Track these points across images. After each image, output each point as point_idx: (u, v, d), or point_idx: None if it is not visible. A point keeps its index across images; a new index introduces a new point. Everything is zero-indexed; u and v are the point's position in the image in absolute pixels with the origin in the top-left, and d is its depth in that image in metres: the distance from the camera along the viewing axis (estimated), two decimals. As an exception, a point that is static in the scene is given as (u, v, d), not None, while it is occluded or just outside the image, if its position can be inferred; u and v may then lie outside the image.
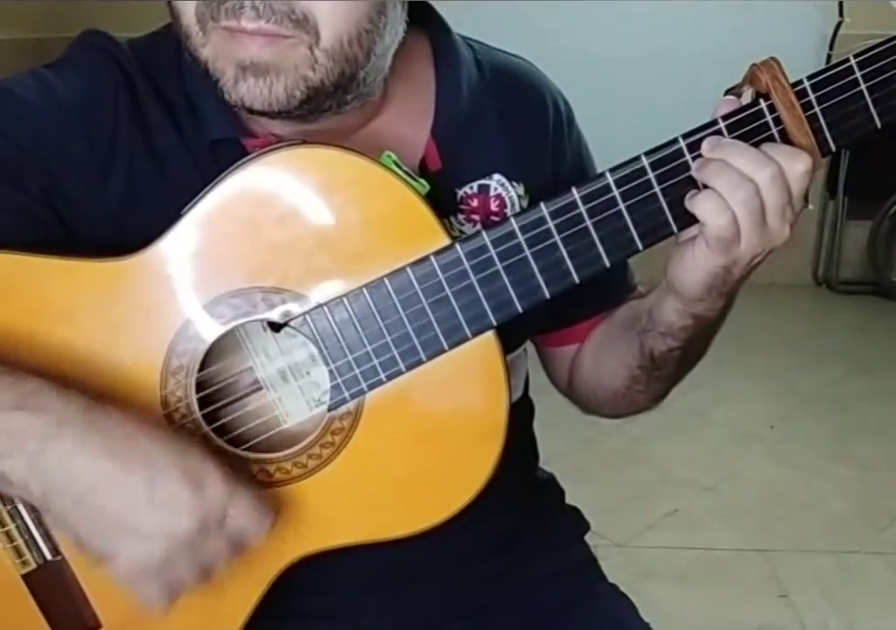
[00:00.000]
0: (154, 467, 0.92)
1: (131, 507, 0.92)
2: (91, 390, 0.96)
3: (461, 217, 1.16)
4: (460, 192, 1.16)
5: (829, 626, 2.68)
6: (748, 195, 0.96)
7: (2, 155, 1.04)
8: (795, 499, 3.27)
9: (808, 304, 5.00)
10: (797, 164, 0.97)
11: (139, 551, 0.93)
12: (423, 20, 1.18)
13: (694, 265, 1.01)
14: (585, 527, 1.43)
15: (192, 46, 1.02)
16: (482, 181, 1.17)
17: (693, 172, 0.99)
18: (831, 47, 4.53)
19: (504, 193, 1.17)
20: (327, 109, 1.06)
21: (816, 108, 0.98)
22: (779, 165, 0.96)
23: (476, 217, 1.16)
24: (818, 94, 0.97)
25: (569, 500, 1.43)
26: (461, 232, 1.15)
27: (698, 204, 0.97)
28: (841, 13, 4.55)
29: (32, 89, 1.07)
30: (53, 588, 1.05)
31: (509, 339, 1.06)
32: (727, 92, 1.01)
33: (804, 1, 4.55)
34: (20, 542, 1.03)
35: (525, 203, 1.18)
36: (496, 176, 1.17)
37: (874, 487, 3.32)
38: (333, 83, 1.02)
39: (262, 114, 1.03)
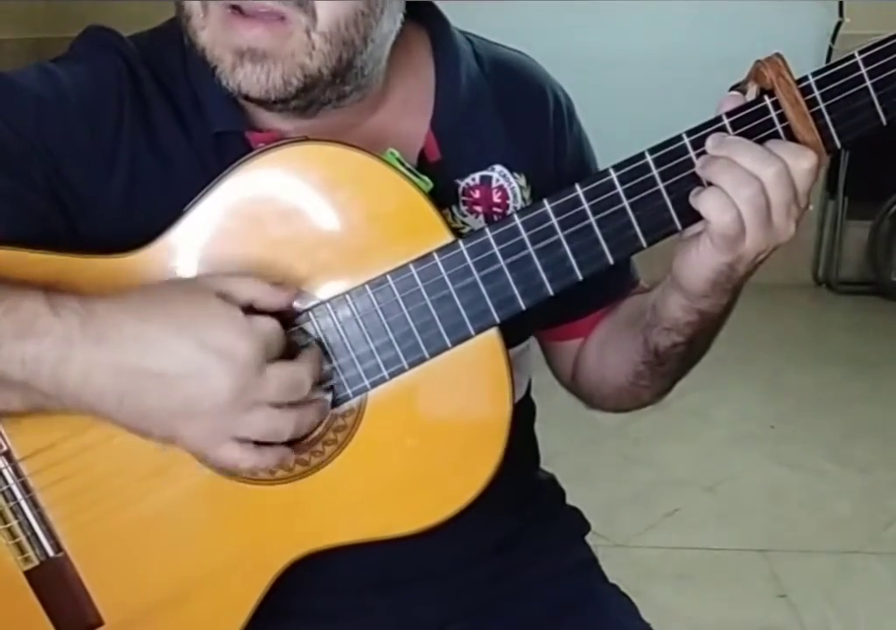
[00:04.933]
0: (176, 359, 0.91)
1: (165, 396, 0.92)
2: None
3: (463, 209, 1.16)
4: (462, 184, 1.16)
5: (829, 626, 2.68)
6: (753, 192, 0.96)
7: (6, 145, 1.04)
8: (795, 499, 3.27)
9: (808, 304, 5.00)
10: (802, 161, 0.97)
11: (195, 430, 0.94)
12: (422, 15, 1.18)
13: (699, 262, 1.01)
14: (586, 527, 1.43)
15: (192, 29, 1.02)
16: (484, 172, 1.17)
17: (697, 169, 0.98)
18: (831, 47, 4.53)
19: (506, 184, 1.17)
20: (326, 102, 1.06)
21: (821, 105, 0.97)
22: (784, 162, 0.96)
23: (478, 209, 1.16)
24: (823, 90, 0.97)
25: (569, 500, 1.43)
26: (463, 223, 1.15)
27: (703, 201, 0.97)
28: (841, 13, 4.55)
29: (37, 81, 1.08)
30: (55, 585, 1.05)
31: (512, 334, 1.06)
32: (732, 88, 1.01)
33: (804, 1, 4.55)
34: (22, 538, 1.03)
35: (527, 194, 1.18)
36: (498, 167, 1.17)
37: (874, 487, 3.33)
38: (331, 71, 1.02)
39: (259, 102, 1.03)
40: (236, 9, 0.99)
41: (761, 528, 3.11)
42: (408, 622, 1.24)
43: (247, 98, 1.03)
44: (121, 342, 0.91)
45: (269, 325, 0.93)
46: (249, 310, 0.94)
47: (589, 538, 1.42)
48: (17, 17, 4.00)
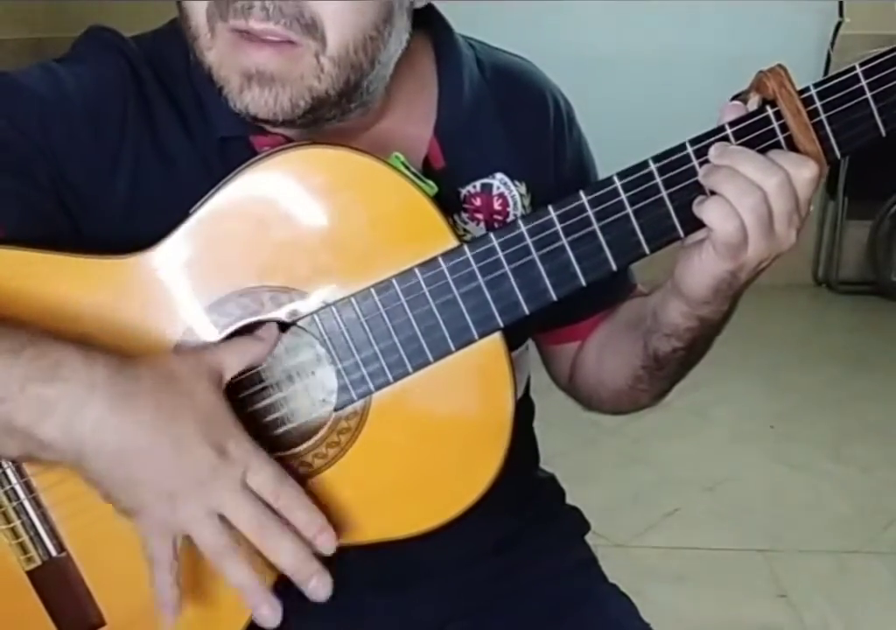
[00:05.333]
0: (179, 430, 0.93)
1: (157, 469, 0.93)
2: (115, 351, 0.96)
3: (465, 216, 1.16)
4: (463, 191, 1.16)
5: (829, 626, 2.68)
6: (756, 202, 0.96)
7: (10, 145, 1.04)
8: (795, 499, 3.27)
9: (807, 304, 4.99)
10: (804, 171, 0.98)
11: (163, 510, 0.94)
12: (426, 20, 1.18)
13: (701, 269, 1.02)
14: (586, 527, 1.43)
15: (199, 49, 1.02)
16: (485, 180, 1.17)
17: (700, 178, 0.99)
18: (832, 47, 4.53)
19: (507, 192, 1.17)
20: (331, 118, 1.06)
21: (822, 116, 0.98)
22: (786, 172, 0.97)
23: (479, 216, 1.17)
24: (824, 101, 0.98)
25: (569, 500, 1.44)
26: (465, 230, 1.16)
27: (706, 210, 0.98)
28: (841, 13, 4.55)
29: (41, 82, 1.07)
30: (58, 585, 1.05)
31: (512, 337, 1.06)
32: (733, 98, 1.02)
33: (804, 1, 4.55)
34: (25, 538, 1.04)
35: (527, 202, 1.19)
36: (498, 175, 1.18)
37: (874, 487, 3.33)
38: (338, 92, 1.02)
39: (265, 122, 1.03)
40: (245, 32, 0.98)
41: (761, 528, 3.10)
42: (408, 622, 1.25)
43: (254, 119, 1.03)
44: (140, 410, 0.93)
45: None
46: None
47: (589, 538, 1.43)
48: (17, 17, 3.99)
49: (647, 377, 1.20)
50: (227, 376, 0.98)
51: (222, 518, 0.94)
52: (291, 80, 0.99)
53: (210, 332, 1.01)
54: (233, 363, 0.99)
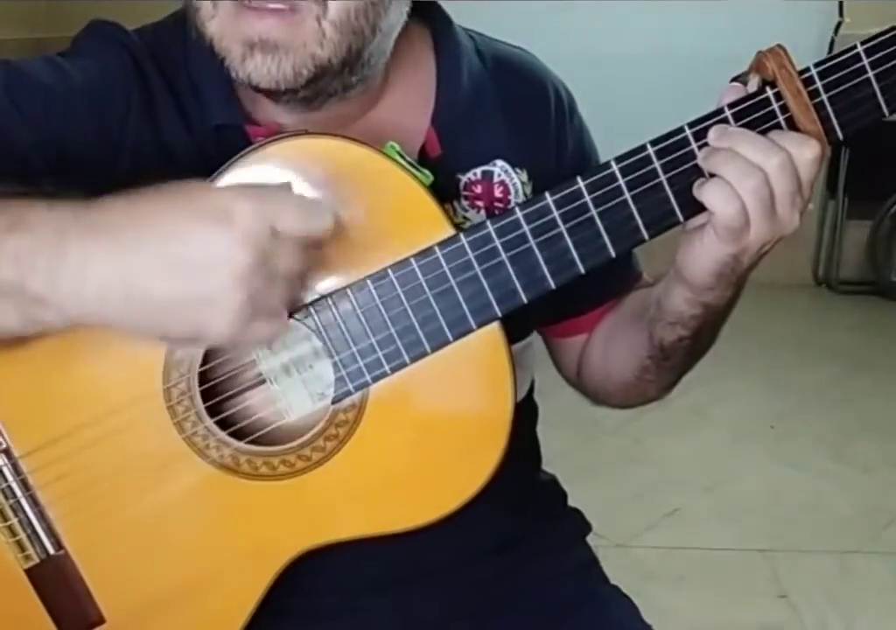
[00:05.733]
0: (173, 233, 0.85)
1: (179, 280, 0.85)
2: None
3: (465, 203, 1.16)
4: (463, 178, 1.16)
5: (829, 626, 2.68)
6: (757, 183, 0.96)
7: (11, 132, 1.04)
8: (795, 499, 3.27)
9: (808, 304, 5.00)
10: (806, 151, 0.97)
11: (220, 312, 0.86)
12: (425, 12, 1.18)
13: (703, 254, 1.01)
14: (587, 528, 1.43)
15: (200, 20, 1.02)
16: (485, 167, 1.17)
17: (700, 161, 0.98)
18: (831, 47, 4.53)
19: (508, 180, 1.17)
20: (333, 93, 1.06)
21: (823, 96, 0.97)
22: (787, 153, 0.96)
23: (480, 203, 1.17)
24: (825, 81, 0.97)
25: (569, 500, 1.44)
26: (465, 218, 1.16)
27: (707, 192, 0.97)
28: (841, 13, 4.55)
29: (46, 73, 1.08)
30: (56, 583, 1.05)
31: (515, 329, 1.06)
32: (733, 80, 1.01)
33: (804, 1, 4.55)
34: (23, 536, 1.04)
35: (528, 190, 1.19)
36: (499, 162, 1.18)
37: (874, 487, 3.33)
38: (341, 60, 1.02)
39: (268, 93, 1.03)
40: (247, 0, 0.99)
41: (761, 528, 3.11)
42: (408, 622, 1.24)
43: (256, 89, 1.03)
44: (117, 226, 0.86)
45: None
46: None
47: (589, 539, 1.43)
48: (18, 17, 3.99)
49: (653, 368, 1.19)
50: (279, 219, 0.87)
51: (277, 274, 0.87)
52: (294, 48, 0.99)
53: None
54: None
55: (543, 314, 1.25)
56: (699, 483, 3.34)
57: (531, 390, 1.33)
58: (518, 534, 1.31)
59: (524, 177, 1.18)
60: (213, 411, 1.03)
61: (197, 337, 0.88)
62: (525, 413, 1.27)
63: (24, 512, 1.03)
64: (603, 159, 1.23)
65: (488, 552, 1.27)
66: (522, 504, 1.32)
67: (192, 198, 0.87)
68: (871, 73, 0.97)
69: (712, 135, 0.97)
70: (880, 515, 3.17)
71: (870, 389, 4.01)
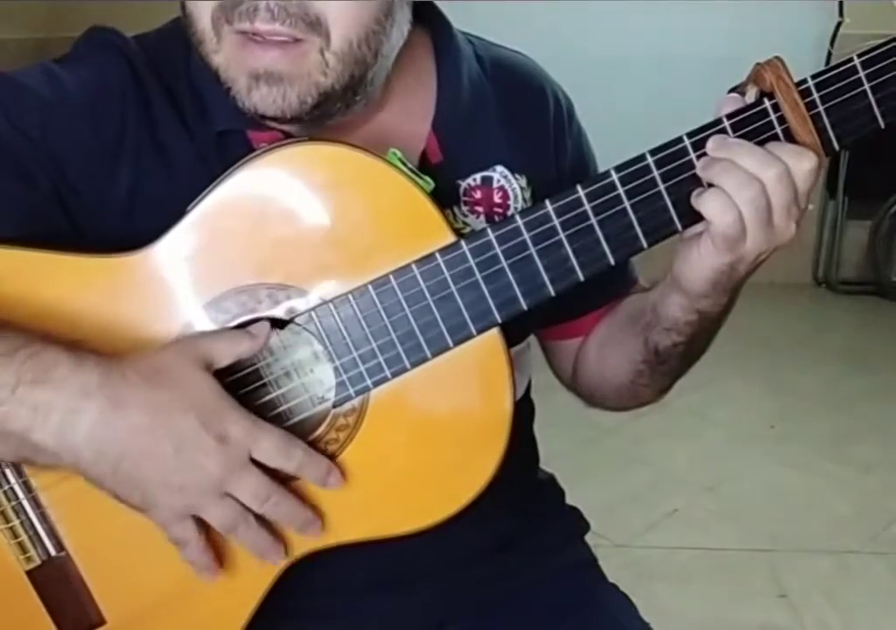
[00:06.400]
0: (177, 426, 0.95)
1: (161, 467, 0.95)
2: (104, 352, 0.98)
3: (465, 209, 1.16)
4: (463, 184, 1.16)
5: (829, 626, 2.68)
6: (755, 194, 0.96)
7: (11, 148, 1.04)
8: (795, 499, 3.27)
9: (808, 304, 4.98)
10: (803, 163, 0.97)
11: (175, 501, 0.97)
12: (425, 16, 1.18)
13: (699, 262, 1.02)
14: (585, 527, 1.43)
15: (205, 52, 1.03)
16: (485, 173, 1.17)
17: (699, 171, 0.99)
18: (832, 47, 4.52)
19: (507, 185, 1.17)
20: (336, 113, 1.06)
21: (820, 108, 0.98)
22: (785, 164, 0.97)
23: (480, 209, 1.17)
24: (822, 93, 0.98)
25: (569, 500, 1.44)
26: (465, 223, 1.16)
27: (705, 202, 0.98)
28: (841, 13, 4.54)
29: (42, 83, 1.08)
30: (57, 584, 1.05)
31: (513, 333, 1.06)
32: (731, 91, 1.01)
33: (804, 1, 4.54)
34: (24, 538, 1.04)
35: (528, 195, 1.19)
36: (499, 167, 1.18)
37: (874, 487, 3.32)
38: (343, 86, 1.03)
39: (273, 119, 1.04)
40: (251, 33, 0.99)
41: (761, 528, 3.10)
42: (408, 622, 1.25)
43: (262, 117, 1.03)
44: (135, 414, 0.94)
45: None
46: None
47: (589, 538, 1.43)
48: (18, 18, 3.99)
49: (648, 372, 1.20)
50: (218, 362, 0.99)
51: (231, 495, 0.97)
52: (298, 78, 1.00)
53: (208, 329, 1.01)
54: (222, 351, 0.99)
55: (541, 317, 1.25)
56: (699, 483, 3.34)
57: (528, 389, 1.33)
58: (516, 533, 1.31)
59: (523, 182, 1.19)
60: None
61: (143, 510, 0.99)
62: (522, 412, 1.27)
63: (27, 514, 1.03)
64: (601, 164, 1.24)
65: (487, 551, 1.27)
66: (521, 503, 1.32)
67: (205, 406, 0.97)
68: (867, 86, 0.97)
69: (711, 145, 0.98)
70: (880, 515, 3.16)
71: (870, 389, 4.00)
